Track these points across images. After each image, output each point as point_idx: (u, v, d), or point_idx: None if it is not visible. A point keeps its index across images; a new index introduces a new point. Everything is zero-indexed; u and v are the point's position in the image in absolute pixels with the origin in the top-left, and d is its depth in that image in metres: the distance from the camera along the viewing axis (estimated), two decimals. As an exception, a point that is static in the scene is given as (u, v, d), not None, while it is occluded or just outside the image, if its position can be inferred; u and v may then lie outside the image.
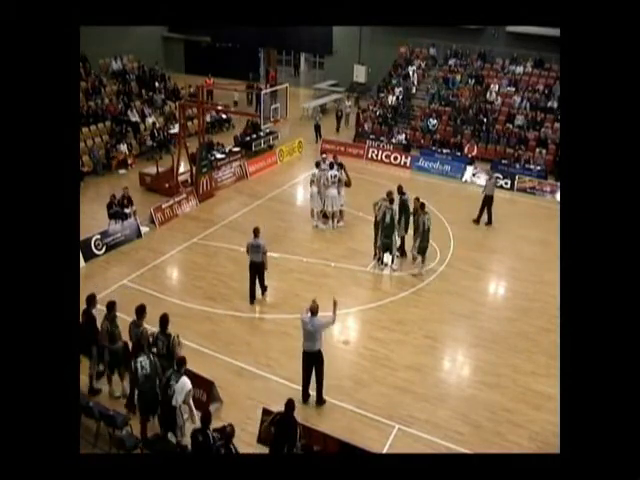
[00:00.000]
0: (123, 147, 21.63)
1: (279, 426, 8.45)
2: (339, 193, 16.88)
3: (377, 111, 26.35)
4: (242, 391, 10.54)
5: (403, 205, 15.11)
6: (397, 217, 14.68)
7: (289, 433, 8.27)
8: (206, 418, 8.09)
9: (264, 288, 13.53)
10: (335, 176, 16.76)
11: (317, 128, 25.26)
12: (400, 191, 15.38)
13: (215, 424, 9.09)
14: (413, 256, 14.95)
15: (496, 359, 11.72)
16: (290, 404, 8.41)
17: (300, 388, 10.36)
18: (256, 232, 13.06)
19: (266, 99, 20.80)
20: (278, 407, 8.66)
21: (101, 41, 25.71)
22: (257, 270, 13.20)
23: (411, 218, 15.06)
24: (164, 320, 9.69)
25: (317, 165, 17.36)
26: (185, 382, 8.61)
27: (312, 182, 17.08)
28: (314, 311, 9.94)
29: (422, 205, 14.80)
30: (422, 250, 14.67)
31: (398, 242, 15.07)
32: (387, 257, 14.96)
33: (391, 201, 14.65)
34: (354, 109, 27.67)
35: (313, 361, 10.12)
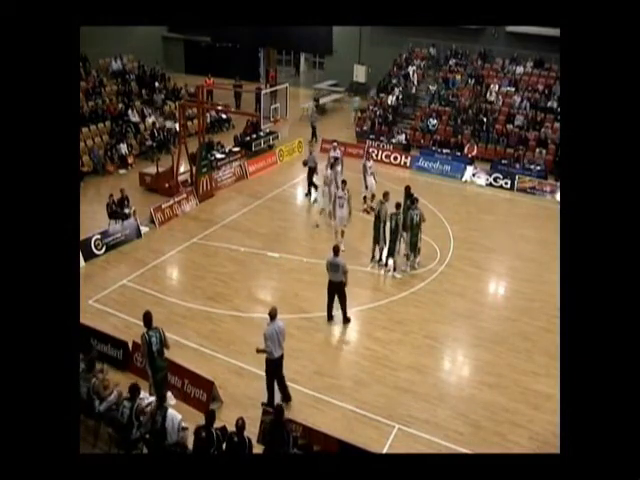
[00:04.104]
0: (123, 147, 21.64)
1: (269, 433, 8.53)
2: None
3: (377, 111, 26.35)
4: (242, 391, 10.54)
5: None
6: (417, 219, 14.53)
7: (281, 438, 8.29)
8: (210, 416, 8.14)
9: (346, 314, 12.63)
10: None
11: (313, 128, 25.36)
12: (408, 193, 15.58)
13: (215, 424, 9.12)
14: (407, 255, 14.86)
15: (496, 359, 11.72)
16: (279, 410, 8.49)
17: (297, 388, 10.46)
18: (336, 251, 12.32)
19: (266, 99, 20.81)
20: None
21: (101, 41, 25.72)
22: (336, 290, 12.43)
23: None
24: (148, 317, 9.57)
25: (331, 167, 17.66)
26: (174, 416, 8.44)
27: (325, 183, 17.46)
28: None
29: (412, 200, 14.81)
30: (413, 246, 14.66)
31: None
32: (390, 261, 14.94)
33: (397, 206, 14.52)
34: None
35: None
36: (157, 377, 9.49)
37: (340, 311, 12.68)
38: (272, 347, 9.73)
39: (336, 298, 12.53)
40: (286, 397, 10.21)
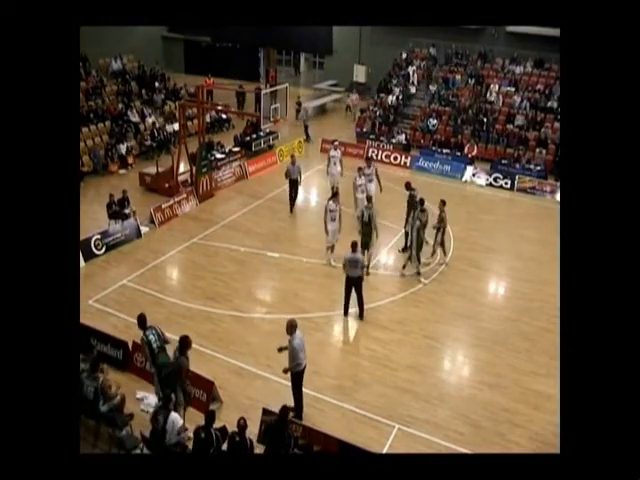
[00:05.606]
0: (123, 147, 21.65)
1: (271, 433, 8.50)
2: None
3: (377, 111, 26.36)
4: (242, 391, 10.54)
5: (411, 199, 15.36)
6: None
7: (282, 440, 8.27)
8: (210, 417, 8.15)
9: (362, 308, 12.72)
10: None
11: (306, 129, 25.43)
12: (409, 187, 15.70)
13: (215, 424, 9.12)
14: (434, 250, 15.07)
15: (496, 359, 11.72)
16: (284, 411, 8.44)
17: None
18: (354, 246, 12.44)
19: (266, 99, 20.82)
20: (278, 408, 8.67)
21: (101, 41, 25.71)
22: (354, 285, 12.48)
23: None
24: (142, 318, 9.65)
25: (359, 169, 17.19)
26: (175, 419, 8.36)
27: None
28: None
29: (422, 201, 14.60)
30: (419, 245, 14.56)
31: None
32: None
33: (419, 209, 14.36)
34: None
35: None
36: (162, 374, 9.49)
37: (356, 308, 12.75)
38: (302, 358, 9.71)
39: (353, 294, 12.61)
40: (298, 411, 9.97)
